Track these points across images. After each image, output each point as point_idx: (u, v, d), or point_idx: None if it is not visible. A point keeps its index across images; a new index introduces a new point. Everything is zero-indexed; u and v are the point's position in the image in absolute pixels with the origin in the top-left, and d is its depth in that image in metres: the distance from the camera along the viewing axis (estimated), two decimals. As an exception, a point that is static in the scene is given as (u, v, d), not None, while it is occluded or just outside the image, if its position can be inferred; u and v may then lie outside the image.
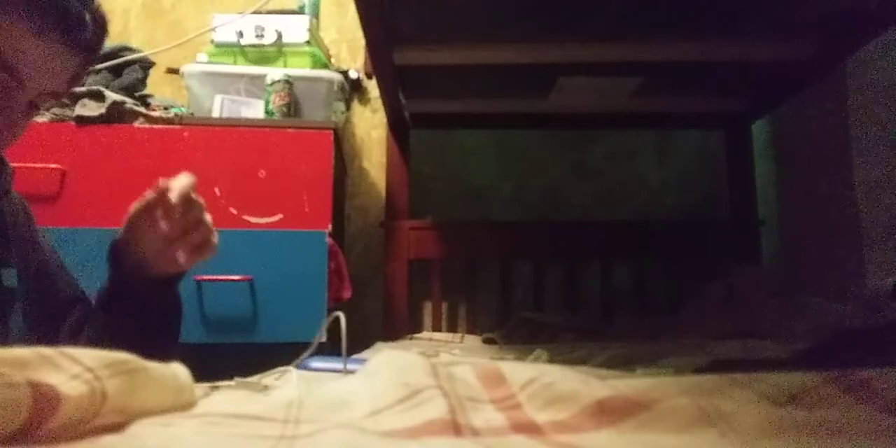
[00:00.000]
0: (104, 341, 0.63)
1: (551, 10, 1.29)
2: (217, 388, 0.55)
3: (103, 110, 1.37)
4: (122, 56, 1.50)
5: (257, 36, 1.55)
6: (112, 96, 1.39)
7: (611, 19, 1.32)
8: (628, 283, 1.83)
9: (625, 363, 0.89)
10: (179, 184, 0.72)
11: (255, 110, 1.49)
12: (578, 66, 1.52)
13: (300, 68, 1.56)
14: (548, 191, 1.98)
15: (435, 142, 1.98)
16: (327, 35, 1.93)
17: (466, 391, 0.43)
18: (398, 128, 1.86)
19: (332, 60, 1.83)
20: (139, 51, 1.56)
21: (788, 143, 1.81)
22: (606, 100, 1.74)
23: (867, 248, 1.41)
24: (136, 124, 1.41)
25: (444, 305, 1.82)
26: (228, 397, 0.49)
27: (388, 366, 0.47)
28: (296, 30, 1.57)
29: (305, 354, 0.70)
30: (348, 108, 1.92)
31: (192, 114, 1.50)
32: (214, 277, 1.33)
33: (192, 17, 2.00)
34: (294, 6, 1.68)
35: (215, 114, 1.48)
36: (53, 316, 0.82)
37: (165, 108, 1.49)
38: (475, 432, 0.37)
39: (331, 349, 1.39)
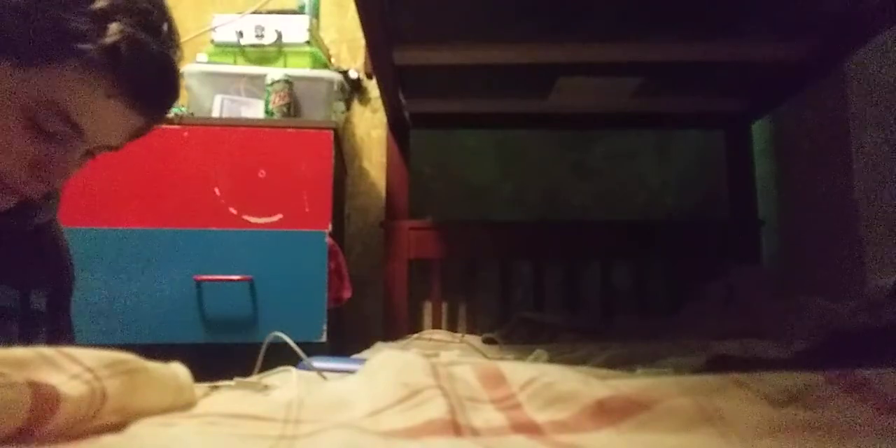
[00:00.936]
0: None
1: (551, 10, 1.29)
2: (217, 388, 0.55)
3: (103, 110, 1.37)
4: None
5: (257, 36, 1.55)
6: (112, 96, 1.39)
7: (611, 19, 1.32)
8: (628, 283, 1.83)
9: (625, 363, 0.89)
10: None
11: (255, 110, 1.49)
12: (578, 66, 1.52)
13: (300, 68, 1.56)
14: (548, 191, 1.98)
15: (435, 142, 1.98)
16: (327, 35, 1.93)
17: (466, 391, 0.43)
18: (398, 128, 1.86)
19: (332, 60, 1.83)
20: (139, 51, 1.55)
21: (788, 143, 1.81)
22: (606, 100, 1.74)
23: (867, 248, 1.41)
24: (136, 124, 1.41)
25: (444, 305, 1.82)
26: (228, 397, 0.49)
27: (388, 366, 0.47)
28: (296, 30, 1.57)
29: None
30: (348, 108, 1.92)
31: (192, 114, 1.50)
32: (214, 277, 1.33)
33: (192, 17, 1.99)
34: (294, 6, 1.68)
35: (215, 114, 1.48)
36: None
37: (165, 108, 1.49)
38: (475, 432, 0.37)
39: (331, 349, 1.39)
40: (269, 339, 0.64)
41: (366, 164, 1.99)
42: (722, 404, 0.37)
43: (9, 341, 0.70)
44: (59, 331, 0.80)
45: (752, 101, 1.76)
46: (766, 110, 1.81)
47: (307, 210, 1.39)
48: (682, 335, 1.26)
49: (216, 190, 1.37)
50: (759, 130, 1.89)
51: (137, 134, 0.71)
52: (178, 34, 0.69)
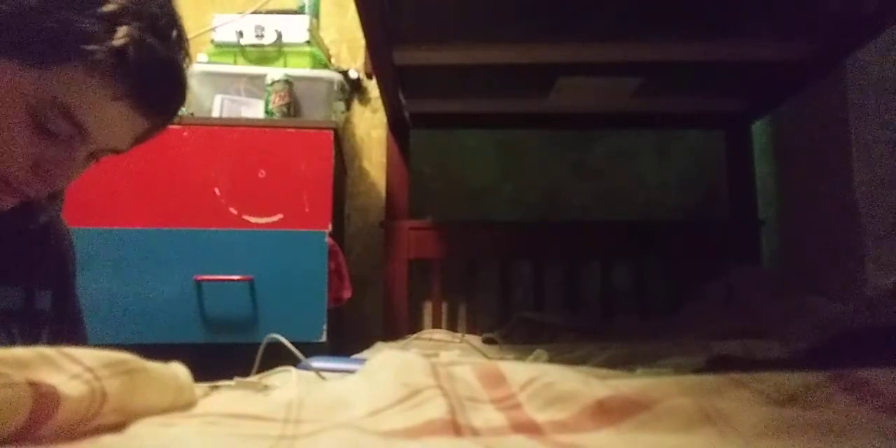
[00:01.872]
0: None
1: (551, 10, 1.29)
2: (217, 388, 0.55)
3: (103, 110, 1.37)
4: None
5: (257, 36, 1.56)
6: (112, 96, 1.39)
7: (611, 19, 1.32)
8: (628, 283, 1.83)
9: (625, 363, 0.89)
10: None
11: (255, 110, 1.49)
12: (578, 66, 1.52)
13: (300, 68, 1.56)
14: (548, 191, 1.98)
15: (435, 142, 1.98)
16: (327, 35, 1.93)
17: (466, 391, 0.43)
18: (398, 128, 1.86)
19: (332, 60, 1.83)
20: (139, 51, 1.55)
21: (788, 143, 1.81)
22: (606, 100, 1.74)
23: (867, 248, 1.41)
24: (136, 124, 1.41)
25: (444, 305, 1.82)
26: (228, 397, 0.49)
27: (388, 366, 0.47)
28: (296, 30, 1.57)
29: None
30: (348, 108, 1.92)
31: (192, 114, 1.50)
32: (214, 277, 1.33)
33: (192, 17, 1.98)
34: (294, 6, 1.68)
35: (215, 114, 1.48)
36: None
37: (165, 108, 1.49)
38: (475, 432, 0.37)
39: (331, 349, 1.39)
40: (266, 340, 0.64)
41: (366, 164, 1.99)
42: (722, 404, 0.37)
43: (11, 342, 0.70)
44: (63, 330, 0.80)
45: (752, 101, 1.75)
46: (766, 110, 1.81)
47: (307, 210, 1.39)
48: (682, 335, 1.26)
49: (216, 190, 1.37)
50: (759, 130, 1.89)
51: (142, 138, 0.72)
52: (187, 40, 0.70)
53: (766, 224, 1.81)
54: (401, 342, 1.42)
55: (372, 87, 1.96)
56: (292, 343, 0.65)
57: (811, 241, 1.66)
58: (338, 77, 1.59)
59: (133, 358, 0.38)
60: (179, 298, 1.32)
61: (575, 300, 1.81)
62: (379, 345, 1.38)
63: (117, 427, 0.36)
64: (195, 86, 1.52)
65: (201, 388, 0.51)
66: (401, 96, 1.68)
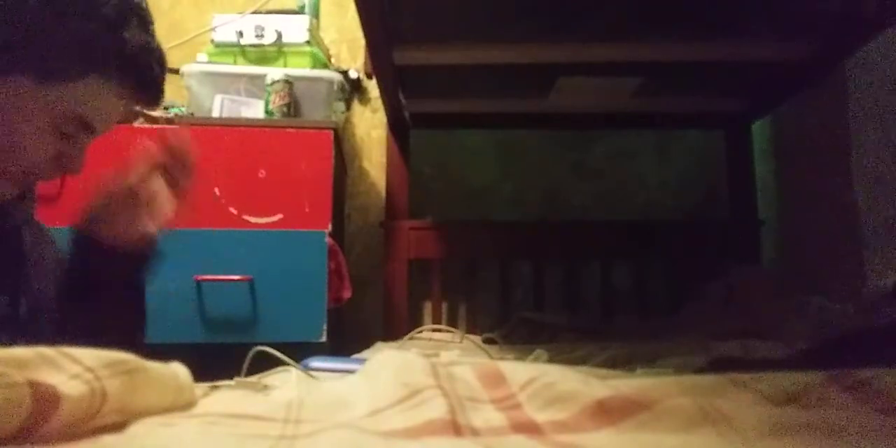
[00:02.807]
0: None
1: (551, 10, 1.29)
2: (217, 388, 0.55)
3: (103, 110, 1.37)
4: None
5: (257, 36, 1.55)
6: (112, 96, 1.39)
7: (611, 19, 1.32)
8: (628, 283, 1.83)
9: (625, 363, 0.89)
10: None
11: (255, 110, 1.49)
12: (578, 66, 1.52)
13: (300, 68, 1.56)
14: (548, 191, 1.98)
15: (435, 142, 1.98)
16: (327, 35, 1.93)
17: (466, 391, 0.43)
18: (398, 128, 1.86)
19: (332, 60, 1.83)
20: (139, 51, 1.55)
21: (788, 143, 1.81)
22: (606, 100, 1.74)
23: (867, 248, 1.41)
24: (136, 124, 1.41)
25: (444, 305, 1.82)
26: (228, 397, 0.49)
27: (388, 366, 0.47)
28: (296, 30, 1.57)
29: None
30: (348, 108, 1.92)
31: (192, 114, 1.50)
32: (214, 277, 1.33)
33: (192, 17, 1.99)
34: (294, 6, 1.68)
35: (215, 114, 1.48)
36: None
37: (165, 108, 1.49)
38: (475, 432, 0.37)
39: (331, 349, 1.39)
40: (252, 353, 0.64)
41: (366, 164, 1.99)
42: (722, 404, 0.37)
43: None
44: (47, 332, 0.79)
45: (752, 101, 1.75)
46: (766, 110, 1.81)
47: (307, 210, 1.39)
48: (682, 335, 1.26)
49: (216, 190, 1.37)
50: (759, 130, 1.89)
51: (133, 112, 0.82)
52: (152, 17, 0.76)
53: (766, 224, 1.81)
54: (400, 342, 1.42)
55: (372, 87, 1.96)
56: (292, 343, 0.64)
57: (811, 241, 1.66)
58: (338, 77, 1.59)
59: (133, 358, 0.38)
60: (179, 298, 1.32)
61: (575, 300, 1.81)
62: (379, 345, 1.38)
63: (117, 427, 0.36)
64: (195, 86, 1.52)
65: (201, 388, 0.51)
66: (401, 96, 1.68)
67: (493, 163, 2.00)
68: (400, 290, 1.76)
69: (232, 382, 0.57)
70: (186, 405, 0.43)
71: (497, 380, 0.45)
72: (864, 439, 0.33)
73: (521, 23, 1.34)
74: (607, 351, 1.02)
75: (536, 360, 0.97)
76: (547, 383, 0.42)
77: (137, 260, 0.83)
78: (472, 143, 2.00)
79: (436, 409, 0.37)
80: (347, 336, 1.78)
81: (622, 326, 1.60)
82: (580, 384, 0.41)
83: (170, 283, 1.32)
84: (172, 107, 1.52)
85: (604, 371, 0.64)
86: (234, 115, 1.48)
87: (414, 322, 1.81)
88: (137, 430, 0.36)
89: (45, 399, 0.31)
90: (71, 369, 0.35)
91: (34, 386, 0.31)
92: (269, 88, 1.47)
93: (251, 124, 1.45)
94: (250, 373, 0.63)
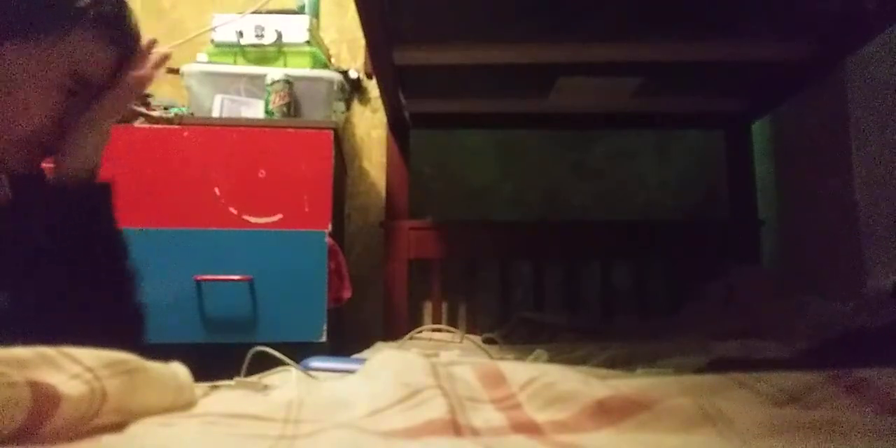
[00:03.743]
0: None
1: (551, 10, 1.29)
2: (217, 387, 0.55)
3: (103, 110, 1.36)
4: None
5: (257, 36, 1.55)
6: (112, 96, 1.39)
7: (611, 19, 1.32)
8: (628, 283, 1.83)
9: (625, 363, 0.89)
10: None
11: (255, 110, 1.49)
12: (578, 66, 1.52)
13: (300, 68, 1.56)
14: (548, 191, 1.98)
15: (435, 142, 1.98)
16: (327, 35, 1.93)
17: (466, 391, 0.43)
18: (398, 128, 1.86)
19: (332, 60, 1.83)
20: (139, 51, 1.55)
21: (788, 143, 1.81)
22: (606, 100, 1.74)
23: (867, 248, 1.41)
24: (136, 124, 1.41)
25: (444, 305, 1.82)
26: (228, 397, 0.49)
27: (388, 366, 0.47)
28: (296, 30, 1.57)
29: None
30: (348, 108, 1.92)
31: (192, 114, 1.50)
32: (214, 277, 1.33)
33: (192, 17, 1.99)
34: (294, 6, 1.68)
35: (215, 114, 1.48)
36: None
37: (165, 108, 1.49)
38: (475, 432, 0.37)
39: (331, 349, 1.39)
40: (251, 353, 0.64)
41: (366, 164, 1.99)
42: (722, 404, 0.37)
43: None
44: (50, 331, 0.78)
45: (752, 101, 1.75)
46: (766, 110, 1.81)
47: (307, 210, 1.39)
48: (682, 335, 1.26)
49: (216, 190, 1.37)
50: (759, 130, 1.89)
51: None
52: None
53: (766, 224, 1.81)
54: (400, 342, 1.42)
55: (372, 87, 1.96)
56: (292, 343, 0.64)
57: (811, 241, 1.66)
58: (338, 77, 1.59)
59: (133, 358, 0.38)
60: (179, 298, 1.32)
61: (575, 300, 1.81)
62: (379, 345, 1.38)
63: (117, 427, 0.36)
64: (195, 86, 1.52)
65: (201, 388, 0.51)
66: (401, 96, 1.68)
67: (493, 163, 2.00)
68: (400, 290, 1.76)
69: (232, 382, 0.57)
70: (186, 405, 0.43)
71: (497, 380, 0.45)
72: (864, 439, 0.33)
73: (521, 23, 1.34)
74: (607, 351, 1.02)
75: (536, 360, 0.97)
76: (547, 383, 0.42)
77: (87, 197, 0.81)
78: (472, 143, 2.00)
79: (436, 409, 0.37)
80: (347, 336, 1.78)
81: (622, 326, 1.60)
82: (580, 384, 0.41)
83: (170, 283, 1.32)
84: (172, 107, 1.52)
85: (604, 371, 0.64)
86: (234, 115, 1.48)
87: (414, 322, 1.81)
88: (137, 430, 0.36)
89: (45, 399, 0.31)
90: (71, 369, 0.35)
91: (34, 386, 0.31)
92: (269, 88, 1.47)
93: (251, 124, 1.45)
94: (250, 373, 0.63)
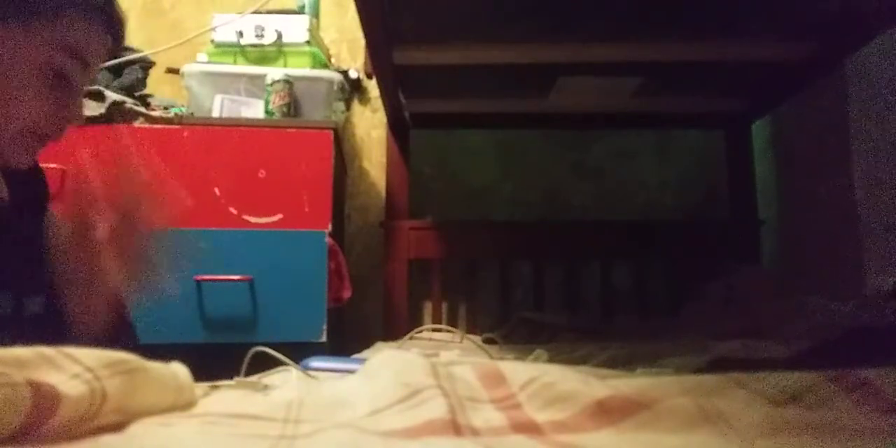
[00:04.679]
0: None
1: (551, 9, 1.29)
2: (217, 387, 0.55)
3: (103, 110, 1.37)
4: (122, 56, 1.50)
5: (257, 36, 1.55)
6: (112, 96, 1.39)
7: (611, 19, 1.32)
8: (628, 283, 1.83)
9: (625, 363, 0.89)
10: None
11: (255, 110, 1.49)
12: (578, 66, 1.52)
13: (300, 68, 1.56)
14: (548, 191, 1.98)
15: (435, 142, 1.98)
16: (327, 35, 1.93)
17: (466, 391, 0.43)
18: (398, 128, 1.86)
19: (332, 60, 1.83)
20: (139, 51, 1.55)
21: (788, 143, 1.81)
22: (606, 100, 1.74)
23: (867, 248, 1.41)
24: (137, 124, 1.41)
25: (444, 305, 1.82)
26: (228, 397, 0.49)
27: (388, 366, 0.47)
28: (296, 30, 1.57)
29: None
30: (348, 108, 1.92)
31: (192, 114, 1.50)
32: (214, 277, 1.33)
33: (192, 17, 1.99)
34: (294, 6, 1.68)
35: (215, 114, 1.48)
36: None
37: (165, 108, 1.49)
38: (475, 432, 0.37)
39: (331, 349, 1.39)
40: (251, 353, 0.64)
41: (366, 164, 1.99)
42: (722, 404, 0.37)
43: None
44: (57, 335, 0.78)
45: (752, 101, 1.75)
46: (766, 110, 1.81)
47: (307, 210, 1.39)
48: (682, 335, 1.26)
49: (216, 190, 1.37)
50: (759, 130, 1.89)
51: (110, 56, 0.82)
52: None
53: (766, 224, 1.81)
54: (400, 342, 1.42)
55: (372, 87, 1.96)
56: (292, 343, 0.64)
57: (811, 241, 1.66)
58: (338, 77, 1.59)
59: (133, 358, 0.38)
60: (179, 298, 1.32)
61: (575, 300, 1.81)
62: (379, 345, 1.38)
63: (117, 427, 0.36)
64: (195, 86, 1.52)
65: (201, 388, 0.51)
66: (401, 96, 1.68)
67: (493, 163, 2.00)
68: (400, 290, 1.76)
69: (232, 382, 0.57)
70: (186, 405, 0.43)
71: (497, 380, 0.45)
72: (864, 439, 0.33)
73: (521, 23, 1.34)
74: (607, 351, 1.02)
75: (536, 360, 0.97)
76: (547, 383, 0.42)
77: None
78: (472, 143, 2.00)
79: (436, 408, 0.37)
80: (347, 336, 1.78)
81: (622, 326, 1.60)
82: (580, 384, 0.41)
83: (170, 283, 1.32)
84: (172, 107, 1.52)
85: (604, 371, 0.64)
86: (234, 115, 1.48)
87: (414, 322, 1.81)
88: (137, 430, 0.36)
89: (45, 399, 0.31)
90: (71, 369, 0.35)
91: (34, 386, 0.31)
92: (269, 88, 1.47)
93: (251, 124, 1.45)
94: (250, 373, 0.63)
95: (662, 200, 1.97)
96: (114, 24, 0.76)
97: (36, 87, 0.69)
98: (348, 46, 2.00)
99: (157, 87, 1.76)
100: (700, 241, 1.79)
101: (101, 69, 1.46)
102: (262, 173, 1.39)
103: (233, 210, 1.37)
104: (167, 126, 1.41)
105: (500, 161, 2.00)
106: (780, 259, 1.79)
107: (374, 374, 0.46)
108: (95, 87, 1.40)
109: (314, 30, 1.63)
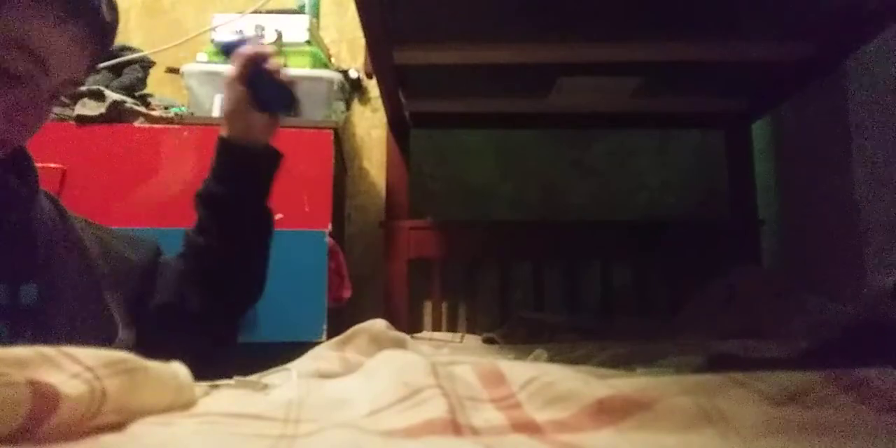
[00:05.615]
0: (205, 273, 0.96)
1: (552, 9, 1.29)
2: (217, 387, 0.55)
3: (103, 110, 1.37)
4: (122, 55, 1.50)
5: (257, 36, 1.55)
6: (112, 96, 1.39)
7: (611, 19, 1.32)
8: (628, 283, 1.83)
9: (625, 363, 0.89)
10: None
11: (255, 110, 1.49)
12: (578, 65, 1.52)
13: (300, 68, 1.56)
14: (548, 190, 1.98)
15: (435, 142, 1.98)
16: (327, 35, 1.93)
17: (466, 390, 0.43)
18: (398, 128, 1.86)
19: (332, 60, 1.83)
20: (139, 50, 1.55)
21: (788, 143, 1.81)
22: (606, 100, 1.74)
23: (867, 248, 1.41)
24: (137, 124, 1.41)
25: (444, 305, 1.82)
26: (228, 396, 0.49)
27: (388, 365, 0.47)
28: (296, 29, 1.57)
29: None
30: (348, 107, 1.91)
31: (192, 113, 1.49)
32: (214, 277, 1.33)
33: (192, 16, 1.99)
34: (294, 6, 1.68)
35: (215, 113, 1.47)
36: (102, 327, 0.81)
37: (165, 108, 1.49)
38: (475, 432, 0.37)
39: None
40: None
41: (366, 164, 1.99)
42: (722, 404, 0.37)
43: None
44: (53, 326, 0.76)
45: (752, 101, 1.75)
46: (766, 110, 1.81)
47: (307, 210, 1.39)
48: (682, 335, 1.26)
49: (216, 190, 1.37)
50: (759, 130, 1.89)
51: (93, 64, 0.74)
52: None
53: (766, 224, 1.81)
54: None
55: (372, 87, 1.96)
56: (292, 343, 0.64)
57: (811, 241, 1.66)
58: (338, 77, 1.59)
59: (133, 357, 0.38)
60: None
61: (575, 300, 1.81)
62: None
63: (117, 426, 0.36)
64: (195, 85, 1.52)
65: (201, 387, 0.51)
66: (401, 96, 1.68)
67: (492, 163, 2.00)
68: (400, 290, 1.76)
69: (232, 382, 0.57)
70: (186, 404, 0.43)
71: (497, 379, 0.45)
72: (864, 439, 0.33)
73: (521, 23, 1.34)
74: (607, 351, 1.02)
75: (536, 360, 0.97)
76: (547, 383, 0.42)
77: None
78: (472, 143, 2.00)
79: (436, 408, 0.37)
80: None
81: (622, 326, 1.60)
82: (580, 384, 0.41)
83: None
84: (172, 106, 1.52)
85: (604, 371, 0.64)
86: (234, 114, 1.48)
87: (414, 322, 1.81)
88: (137, 429, 0.36)
89: (45, 398, 0.31)
90: (71, 369, 0.35)
91: (34, 385, 0.31)
92: (269, 88, 1.47)
93: (251, 124, 1.44)
94: (250, 373, 0.63)
95: (662, 200, 1.97)
96: (88, 14, 0.68)
97: None
98: (348, 46, 2.00)
99: (157, 86, 1.75)
100: (700, 241, 1.79)
101: (101, 69, 1.46)
102: (262, 173, 1.39)
103: (233, 210, 1.37)
104: (167, 126, 1.41)
105: (500, 161, 2.00)
106: (780, 259, 1.79)
107: (374, 374, 0.46)
108: (96, 86, 1.40)
109: (314, 30, 1.63)
